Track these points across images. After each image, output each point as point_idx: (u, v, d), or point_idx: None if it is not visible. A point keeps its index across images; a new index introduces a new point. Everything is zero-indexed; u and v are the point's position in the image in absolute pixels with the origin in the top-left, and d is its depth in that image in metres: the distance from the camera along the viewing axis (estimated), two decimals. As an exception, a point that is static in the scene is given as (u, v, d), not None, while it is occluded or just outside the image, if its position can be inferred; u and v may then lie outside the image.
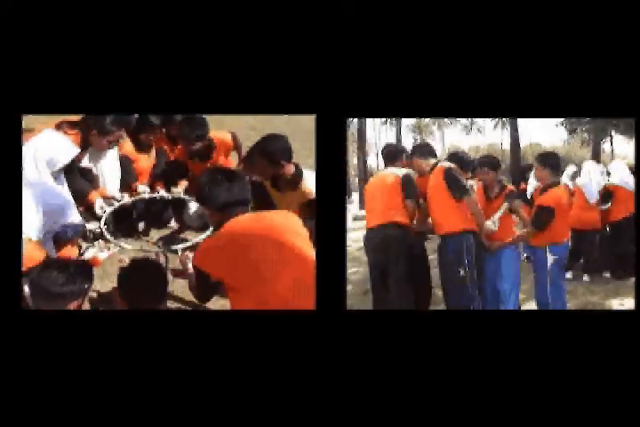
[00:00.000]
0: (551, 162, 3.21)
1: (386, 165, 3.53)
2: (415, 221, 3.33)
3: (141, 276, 2.12)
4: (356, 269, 4.84)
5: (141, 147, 3.58)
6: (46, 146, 2.63)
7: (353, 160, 22.94)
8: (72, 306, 1.97)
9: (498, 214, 3.17)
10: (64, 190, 2.70)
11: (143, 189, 3.50)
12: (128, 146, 3.53)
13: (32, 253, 2.20)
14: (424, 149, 3.39)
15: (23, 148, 2.57)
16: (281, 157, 2.69)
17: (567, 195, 3.21)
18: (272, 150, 2.70)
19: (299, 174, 2.76)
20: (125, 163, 3.48)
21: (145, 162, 3.62)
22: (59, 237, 2.54)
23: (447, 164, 3.15)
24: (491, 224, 3.10)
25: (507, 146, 21.21)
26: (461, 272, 2.95)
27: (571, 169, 5.01)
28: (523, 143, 20.60)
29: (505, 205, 3.22)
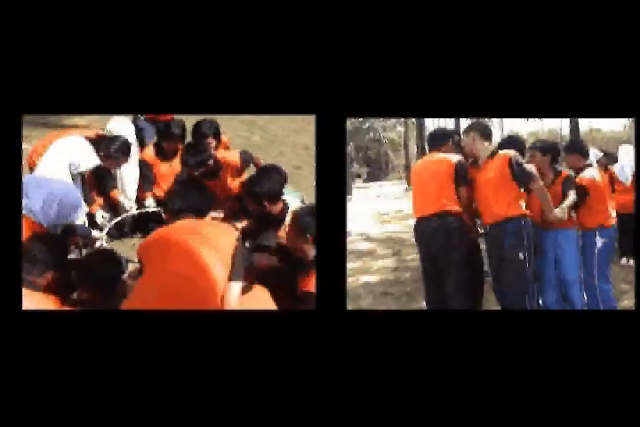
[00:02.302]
0: (577, 148, 3.31)
1: (430, 150, 3.36)
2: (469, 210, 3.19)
3: (96, 267, 2.23)
4: (415, 256, 4.76)
5: (162, 153, 3.63)
6: (72, 150, 2.92)
7: (413, 148, 22.71)
8: (49, 274, 2.11)
9: (567, 202, 3.02)
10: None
11: (149, 204, 3.59)
12: (149, 151, 3.59)
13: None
14: (479, 128, 3.17)
15: (50, 146, 2.92)
16: (265, 198, 2.76)
17: (600, 175, 3.21)
18: (257, 191, 2.78)
19: (284, 215, 2.80)
20: (143, 167, 3.58)
21: (165, 169, 3.68)
22: (68, 231, 2.71)
23: (511, 152, 3.01)
24: (560, 212, 2.95)
25: (566, 132, 20.42)
26: (521, 255, 2.86)
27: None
28: (582, 129, 19.80)
29: (572, 193, 3.08)
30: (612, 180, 4.56)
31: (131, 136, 3.49)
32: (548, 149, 3.21)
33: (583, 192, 3.08)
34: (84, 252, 2.88)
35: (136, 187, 3.61)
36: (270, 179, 2.84)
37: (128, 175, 3.54)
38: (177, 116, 3.91)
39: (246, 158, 3.66)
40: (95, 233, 3.07)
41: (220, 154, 3.60)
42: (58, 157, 2.91)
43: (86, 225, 3.04)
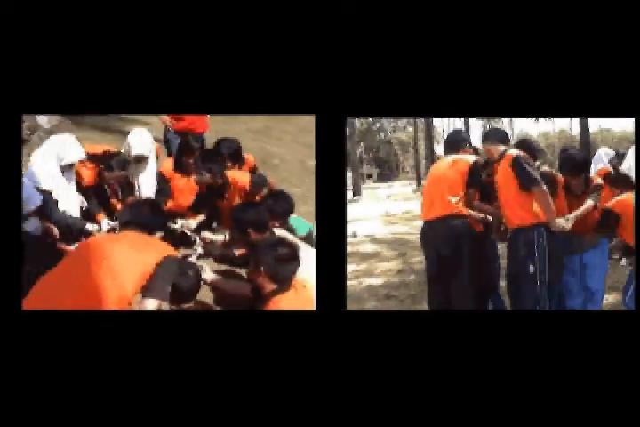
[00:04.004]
0: (623, 179, 3.14)
1: (446, 153, 3.30)
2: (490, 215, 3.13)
3: None
4: (420, 258, 4.71)
5: (179, 167, 3.61)
6: (58, 143, 3.07)
7: (421, 147, 22.60)
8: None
9: (576, 213, 2.89)
10: (61, 183, 3.04)
11: None
12: (167, 164, 3.59)
13: None
14: (496, 136, 3.10)
15: (44, 142, 3.09)
16: (249, 227, 2.67)
17: None
18: (241, 219, 2.72)
19: None
20: (160, 180, 3.56)
21: (182, 183, 3.64)
22: (65, 228, 2.91)
23: (515, 151, 2.89)
24: (562, 222, 2.78)
25: (576, 132, 19.89)
26: (531, 268, 2.73)
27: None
28: (592, 128, 19.63)
29: (589, 203, 2.97)
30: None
31: (150, 147, 3.48)
32: (581, 169, 3.08)
33: (614, 215, 2.90)
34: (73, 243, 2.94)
35: (153, 197, 3.56)
36: (260, 207, 2.76)
37: (146, 185, 3.52)
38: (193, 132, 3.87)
39: (258, 181, 3.55)
40: (89, 226, 3.11)
41: (230, 174, 3.53)
42: (45, 151, 3.03)
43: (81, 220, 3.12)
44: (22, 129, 3.73)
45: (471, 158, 3.08)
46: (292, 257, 2.24)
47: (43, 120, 4.76)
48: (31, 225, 2.77)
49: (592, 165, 4.57)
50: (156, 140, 3.90)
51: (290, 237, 2.67)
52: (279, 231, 2.74)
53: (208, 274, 2.71)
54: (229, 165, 3.59)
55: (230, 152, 3.63)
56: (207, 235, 3.27)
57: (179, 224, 3.41)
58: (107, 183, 3.37)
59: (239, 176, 3.55)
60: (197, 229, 3.41)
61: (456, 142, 3.26)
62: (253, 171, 3.85)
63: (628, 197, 2.94)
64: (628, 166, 4.51)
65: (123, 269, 2.01)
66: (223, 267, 3.10)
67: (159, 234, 2.44)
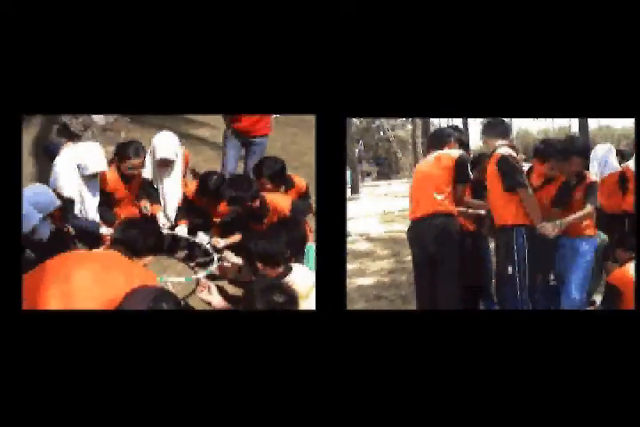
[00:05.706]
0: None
1: (429, 150, 3.22)
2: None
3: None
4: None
5: (200, 197, 3.48)
6: (82, 152, 3.12)
7: (418, 144, 22.48)
8: None
9: (573, 217, 2.78)
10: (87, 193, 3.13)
11: (180, 230, 3.44)
12: (192, 187, 3.48)
13: None
14: (495, 129, 2.99)
15: (66, 148, 3.16)
16: (257, 260, 2.49)
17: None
18: (251, 250, 2.53)
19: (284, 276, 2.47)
20: (183, 200, 3.51)
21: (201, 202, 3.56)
22: (84, 230, 3.05)
23: (504, 150, 2.83)
24: (549, 227, 2.69)
25: (575, 129, 19.83)
26: (509, 269, 2.70)
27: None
28: (592, 126, 19.40)
29: (588, 209, 2.83)
30: (627, 178, 4.07)
31: (176, 151, 3.41)
32: (568, 152, 2.93)
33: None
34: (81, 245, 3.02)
35: (176, 209, 3.50)
36: (274, 239, 2.48)
37: (170, 194, 3.46)
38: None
39: (300, 208, 3.25)
40: (103, 230, 3.13)
41: (270, 197, 3.22)
42: (69, 160, 3.02)
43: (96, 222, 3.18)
44: (75, 125, 3.79)
45: (455, 153, 3.00)
46: (287, 306, 2.00)
47: (98, 117, 4.59)
48: (44, 228, 2.74)
49: (589, 163, 4.49)
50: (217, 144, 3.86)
51: (306, 278, 2.44)
52: (297, 267, 2.52)
53: (214, 297, 2.56)
54: (269, 186, 3.31)
55: (271, 173, 3.31)
56: (230, 256, 3.14)
57: (199, 238, 3.36)
58: (126, 174, 3.27)
59: (279, 200, 3.24)
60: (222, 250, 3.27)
61: (440, 138, 3.18)
62: (302, 196, 3.50)
63: (625, 270, 2.74)
64: (597, 172, 4.28)
65: (82, 294, 1.91)
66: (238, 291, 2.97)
67: (148, 258, 2.32)
